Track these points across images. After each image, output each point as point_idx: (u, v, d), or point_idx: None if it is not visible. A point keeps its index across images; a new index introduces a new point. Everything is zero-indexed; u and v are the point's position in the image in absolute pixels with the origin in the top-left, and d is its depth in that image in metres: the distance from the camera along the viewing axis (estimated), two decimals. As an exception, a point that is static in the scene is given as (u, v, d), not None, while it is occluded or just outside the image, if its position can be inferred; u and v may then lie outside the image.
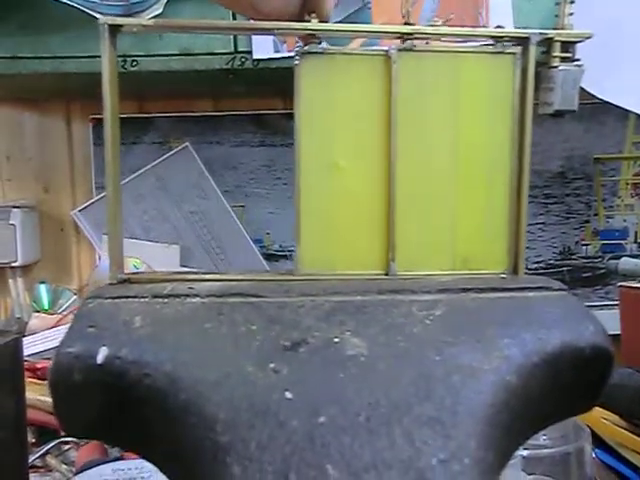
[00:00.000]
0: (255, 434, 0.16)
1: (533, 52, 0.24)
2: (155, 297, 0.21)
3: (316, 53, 0.24)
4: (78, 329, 0.19)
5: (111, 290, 0.22)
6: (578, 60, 0.24)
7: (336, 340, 0.19)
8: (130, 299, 0.21)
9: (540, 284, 0.23)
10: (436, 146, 0.25)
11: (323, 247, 0.25)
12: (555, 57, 0.24)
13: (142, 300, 0.21)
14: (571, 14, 0.24)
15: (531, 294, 0.23)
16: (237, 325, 0.20)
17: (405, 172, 0.25)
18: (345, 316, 0.21)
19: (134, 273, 0.25)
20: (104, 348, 0.19)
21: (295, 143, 0.25)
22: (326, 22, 0.25)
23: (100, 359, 0.18)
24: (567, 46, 0.24)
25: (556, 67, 0.24)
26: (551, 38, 0.24)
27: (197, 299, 0.22)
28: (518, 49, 0.25)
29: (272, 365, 0.18)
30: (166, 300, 0.21)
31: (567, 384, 0.20)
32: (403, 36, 0.24)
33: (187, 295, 0.22)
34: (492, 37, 0.24)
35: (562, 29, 0.24)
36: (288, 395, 0.17)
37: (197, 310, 0.21)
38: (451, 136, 0.25)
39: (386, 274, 0.25)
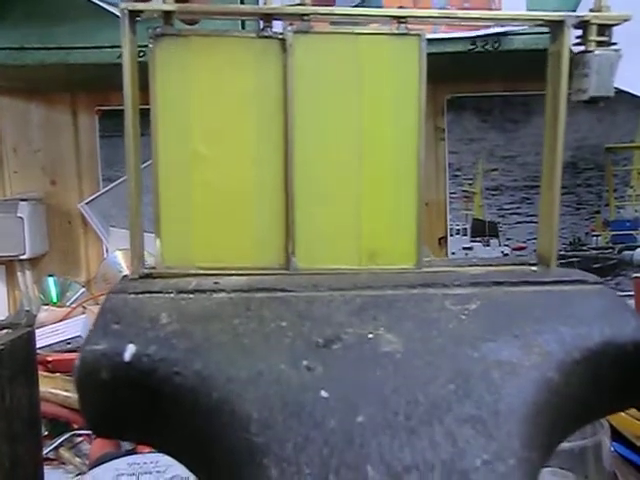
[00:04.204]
0: (291, 435, 0.16)
1: (567, 36, 0.23)
2: (180, 292, 0.21)
3: (172, 35, 0.22)
4: (103, 326, 0.19)
5: (134, 285, 0.22)
6: (615, 44, 0.23)
7: (370, 336, 0.19)
8: (155, 294, 0.21)
9: (575, 277, 0.22)
10: (338, 134, 0.23)
11: (188, 241, 0.23)
12: (591, 41, 0.23)
13: (167, 295, 0.21)
14: (608, -4, 0.23)
15: (567, 287, 0.22)
16: (266, 321, 0.19)
17: (303, 161, 0.23)
18: (377, 311, 0.20)
19: (153, 267, 0.24)
20: (131, 345, 0.18)
21: (152, 131, 0.23)
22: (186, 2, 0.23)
23: (127, 356, 0.18)
24: (603, 29, 0.23)
25: (592, 51, 0.23)
26: (587, 21, 0.23)
27: (223, 294, 0.21)
28: (422, 31, 0.23)
29: (305, 363, 0.18)
30: (192, 295, 0.21)
31: (608, 381, 0.20)
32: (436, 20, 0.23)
33: (213, 290, 0.21)
34: (525, 20, 0.23)
35: (599, 11, 0.23)
36: (324, 394, 0.17)
37: (224, 306, 0.20)
38: (354, 123, 0.23)
39: (286, 269, 0.23)
